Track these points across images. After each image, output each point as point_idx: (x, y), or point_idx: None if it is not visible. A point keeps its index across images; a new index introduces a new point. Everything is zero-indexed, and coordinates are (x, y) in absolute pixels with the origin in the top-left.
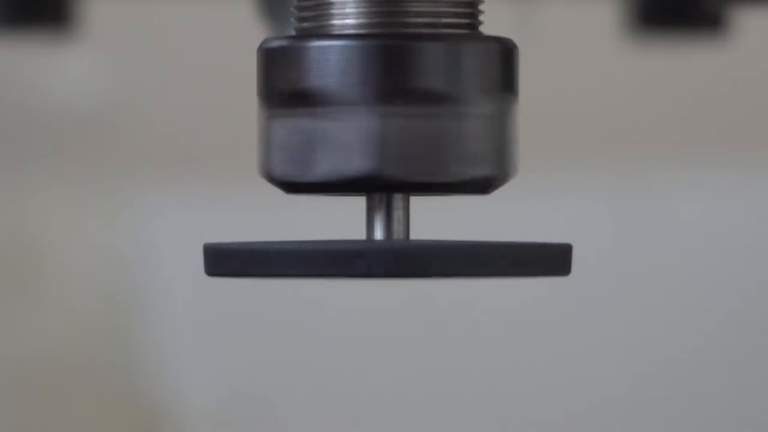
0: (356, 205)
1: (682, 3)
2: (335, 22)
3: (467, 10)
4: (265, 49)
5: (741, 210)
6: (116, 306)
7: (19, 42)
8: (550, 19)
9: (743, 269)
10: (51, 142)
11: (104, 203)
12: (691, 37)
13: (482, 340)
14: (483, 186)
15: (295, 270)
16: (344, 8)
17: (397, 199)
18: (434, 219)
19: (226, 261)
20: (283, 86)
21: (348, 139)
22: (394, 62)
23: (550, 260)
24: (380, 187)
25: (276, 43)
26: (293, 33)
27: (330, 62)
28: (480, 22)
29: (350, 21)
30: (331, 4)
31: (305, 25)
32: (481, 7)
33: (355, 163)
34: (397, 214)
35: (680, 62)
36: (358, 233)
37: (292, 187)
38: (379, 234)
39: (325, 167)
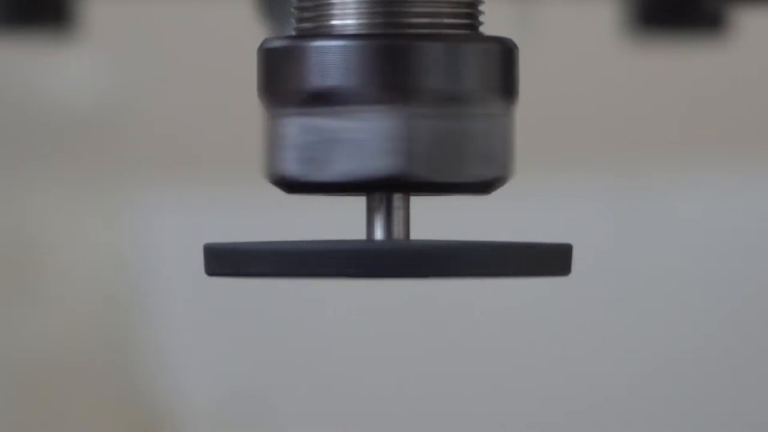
0: (356, 205)
1: (682, 3)
2: (335, 22)
3: (467, 11)
4: (266, 49)
5: (741, 210)
6: (116, 306)
7: (19, 42)
8: (550, 19)
9: (743, 269)
10: (51, 142)
11: (104, 203)
12: (691, 37)
13: (482, 340)
14: (483, 186)
15: (295, 270)
16: (344, 8)
17: (397, 199)
18: (434, 219)
19: (226, 261)
20: (283, 86)
21: (348, 139)
22: (394, 62)
23: (550, 260)
24: (380, 187)
25: (276, 43)
26: (293, 33)
27: (330, 62)
28: (480, 23)
29: (350, 21)
30: (331, 4)
31: (305, 25)
32: (481, 7)
33: (356, 163)
34: (397, 214)
35: (680, 62)
36: (358, 233)
37: (293, 187)
38: (379, 234)
39: (325, 167)
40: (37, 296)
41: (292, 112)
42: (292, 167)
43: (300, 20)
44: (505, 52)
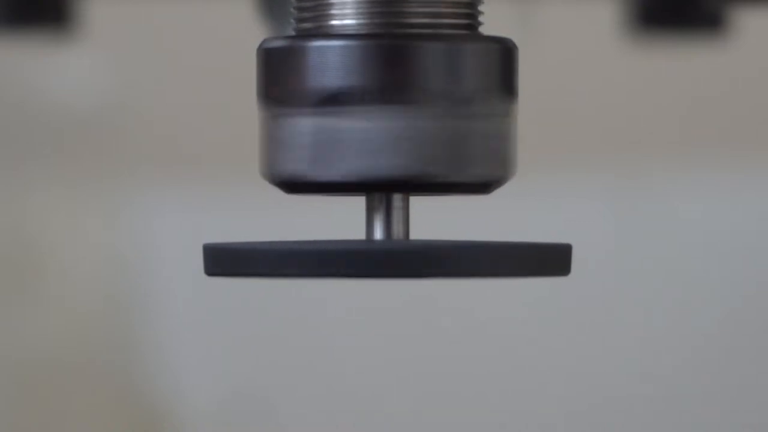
0: (356, 205)
1: (682, 3)
2: (335, 22)
3: (467, 11)
4: (265, 49)
5: (741, 210)
6: (116, 306)
7: (19, 42)
8: (550, 19)
9: (743, 269)
10: (51, 142)
11: (104, 203)
12: (691, 37)
13: (482, 340)
14: (483, 186)
15: (295, 270)
16: (344, 8)
17: (397, 199)
18: (434, 219)
19: (226, 261)
20: (283, 86)
21: (347, 139)
22: (393, 62)
23: (550, 260)
24: (380, 187)
25: (276, 43)
26: (293, 33)
27: (330, 63)
28: (480, 23)
29: (350, 21)
30: (331, 4)
31: (305, 25)
32: (481, 7)
33: (355, 163)
34: (397, 214)
35: (680, 62)
36: (358, 233)
37: (292, 187)
38: (378, 234)
39: (324, 167)
40: (37, 296)
41: (291, 113)
42: (291, 167)
43: (300, 20)
44: (505, 52)
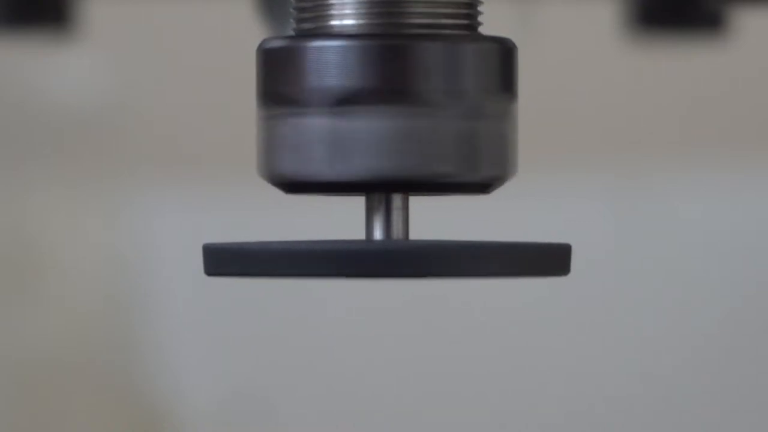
0: (356, 205)
1: (682, 3)
2: (335, 22)
3: (467, 11)
4: (265, 49)
5: (741, 210)
6: (116, 306)
7: (19, 42)
8: (550, 19)
9: (743, 269)
10: (51, 142)
11: (104, 203)
12: (691, 37)
13: (482, 340)
14: (483, 186)
15: (295, 270)
16: (344, 8)
17: (397, 199)
18: (434, 219)
19: (225, 261)
20: (283, 86)
21: (347, 139)
22: (393, 62)
23: (550, 260)
24: (380, 187)
25: (275, 43)
26: (293, 33)
27: (329, 62)
28: (479, 23)
29: (350, 21)
30: (330, 4)
31: (305, 25)
32: (480, 7)
33: (355, 163)
34: (397, 214)
35: (680, 62)
36: (358, 233)
37: (292, 187)
38: (378, 234)
39: (324, 167)
40: (37, 296)
41: (290, 112)
42: (291, 167)
43: (299, 20)
44: (505, 52)
